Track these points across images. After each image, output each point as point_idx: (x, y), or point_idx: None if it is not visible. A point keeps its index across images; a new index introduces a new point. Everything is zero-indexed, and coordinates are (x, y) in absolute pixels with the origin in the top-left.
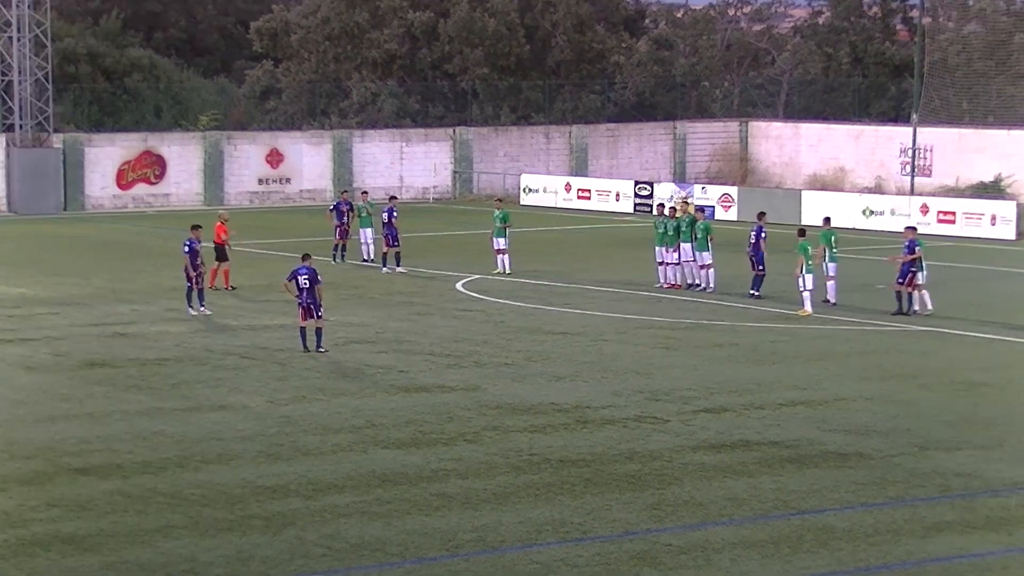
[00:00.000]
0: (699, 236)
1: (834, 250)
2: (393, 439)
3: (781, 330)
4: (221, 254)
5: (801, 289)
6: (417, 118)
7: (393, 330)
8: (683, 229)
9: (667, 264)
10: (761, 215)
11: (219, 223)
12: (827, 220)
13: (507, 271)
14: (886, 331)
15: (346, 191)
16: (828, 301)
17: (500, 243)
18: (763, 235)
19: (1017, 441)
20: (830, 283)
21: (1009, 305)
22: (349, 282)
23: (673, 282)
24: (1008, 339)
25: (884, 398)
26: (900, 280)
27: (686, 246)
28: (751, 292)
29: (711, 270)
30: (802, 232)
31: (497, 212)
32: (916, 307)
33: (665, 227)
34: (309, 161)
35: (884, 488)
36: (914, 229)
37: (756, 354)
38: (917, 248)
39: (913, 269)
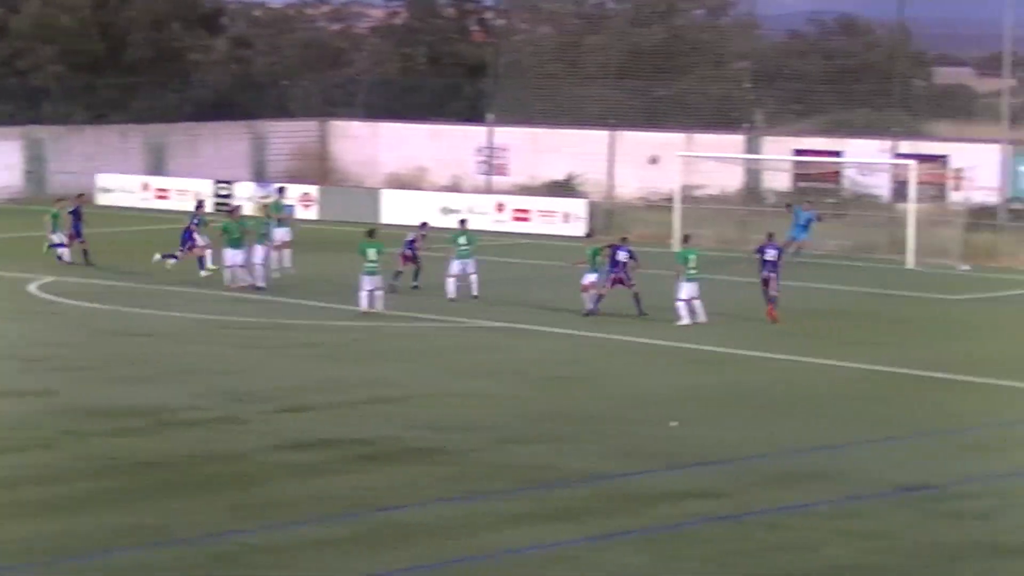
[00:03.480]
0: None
1: (464, 247)
2: None
3: (363, 328)
4: None
5: (361, 289)
6: None
7: None
8: (262, 231)
9: (236, 267)
10: (624, 239)
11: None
12: (463, 222)
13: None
14: (466, 328)
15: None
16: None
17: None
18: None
19: (590, 433)
20: (473, 277)
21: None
22: None
23: (245, 283)
24: (582, 333)
25: (464, 393)
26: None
27: (259, 247)
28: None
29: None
30: (370, 233)
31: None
32: (591, 305)
33: (227, 228)
34: None
35: (463, 482)
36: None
37: (339, 352)
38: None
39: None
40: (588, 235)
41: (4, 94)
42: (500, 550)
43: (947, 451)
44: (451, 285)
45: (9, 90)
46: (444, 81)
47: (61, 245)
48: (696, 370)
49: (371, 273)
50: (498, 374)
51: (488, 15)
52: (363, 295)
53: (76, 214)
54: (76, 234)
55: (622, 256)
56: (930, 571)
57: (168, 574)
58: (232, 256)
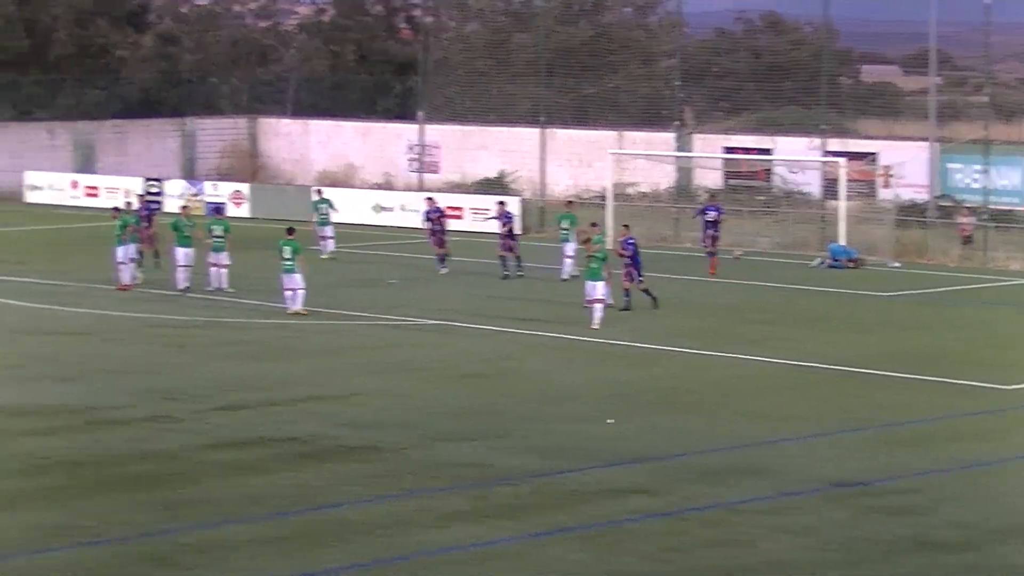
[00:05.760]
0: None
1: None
2: None
3: (293, 326)
4: None
5: (283, 288)
6: None
7: None
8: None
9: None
10: (626, 226)
11: None
12: (570, 203)
13: None
14: (394, 325)
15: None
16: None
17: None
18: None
19: (523, 430)
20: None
21: (522, 296)
22: None
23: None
24: (511, 331)
25: (396, 391)
26: (627, 278)
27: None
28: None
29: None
30: (289, 231)
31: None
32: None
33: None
34: None
35: (398, 480)
36: (627, 227)
37: (269, 351)
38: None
39: (632, 266)
40: (593, 224)
41: None
42: (439, 547)
43: (876, 447)
44: (568, 265)
45: None
46: (374, 78)
47: None
48: (619, 366)
49: (288, 272)
50: (427, 372)
51: (416, 12)
52: (287, 294)
53: None
54: None
55: (628, 250)
56: (864, 566)
57: (103, 573)
58: (184, 255)
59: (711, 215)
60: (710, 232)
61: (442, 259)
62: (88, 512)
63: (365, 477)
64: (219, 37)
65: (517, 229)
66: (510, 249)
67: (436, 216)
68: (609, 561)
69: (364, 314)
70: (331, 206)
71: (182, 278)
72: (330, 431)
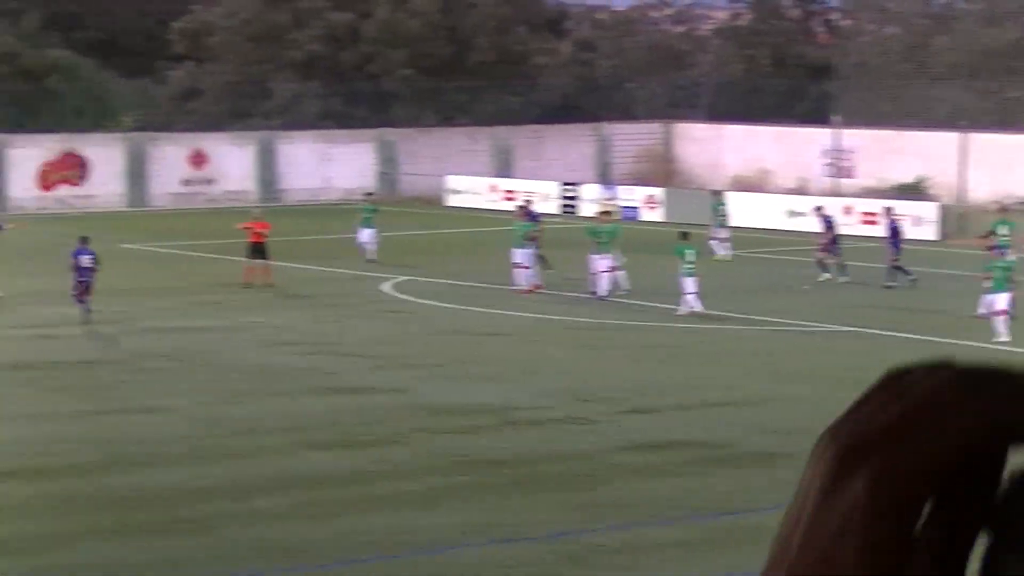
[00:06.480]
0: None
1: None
2: (321, 441)
3: (706, 331)
4: (259, 252)
5: (683, 292)
6: (340, 119)
7: (319, 332)
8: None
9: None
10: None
11: (253, 221)
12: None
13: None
14: (809, 332)
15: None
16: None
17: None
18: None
19: None
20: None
21: (930, 306)
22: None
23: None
24: (931, 339)
25: (811, 398)
26: None
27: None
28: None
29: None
30: (684, 235)
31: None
32: None
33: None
34: (233, 162)
35: None
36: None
37: (682, 354)
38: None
39: None
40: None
41: (357, 98)
42: None
43: None
44: None
45: (361, 94)
46: (788, 82)
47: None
48: None
49: (690, 275)
50: (837, 378)
51: (834, 16)
52: (689, 297)
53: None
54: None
55: None
56: None
57: (519, 571)
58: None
59: None
60: None
61: (824, 267)
62: (505, 510)
63: (779, 483)
64: (636, 43)
65: (933, 235)
66: (896, 257)
67: (827, 225)
68: None
69: (769, 319)
70: (728, 208)
71: (601, 283)
72: (741, 435)
